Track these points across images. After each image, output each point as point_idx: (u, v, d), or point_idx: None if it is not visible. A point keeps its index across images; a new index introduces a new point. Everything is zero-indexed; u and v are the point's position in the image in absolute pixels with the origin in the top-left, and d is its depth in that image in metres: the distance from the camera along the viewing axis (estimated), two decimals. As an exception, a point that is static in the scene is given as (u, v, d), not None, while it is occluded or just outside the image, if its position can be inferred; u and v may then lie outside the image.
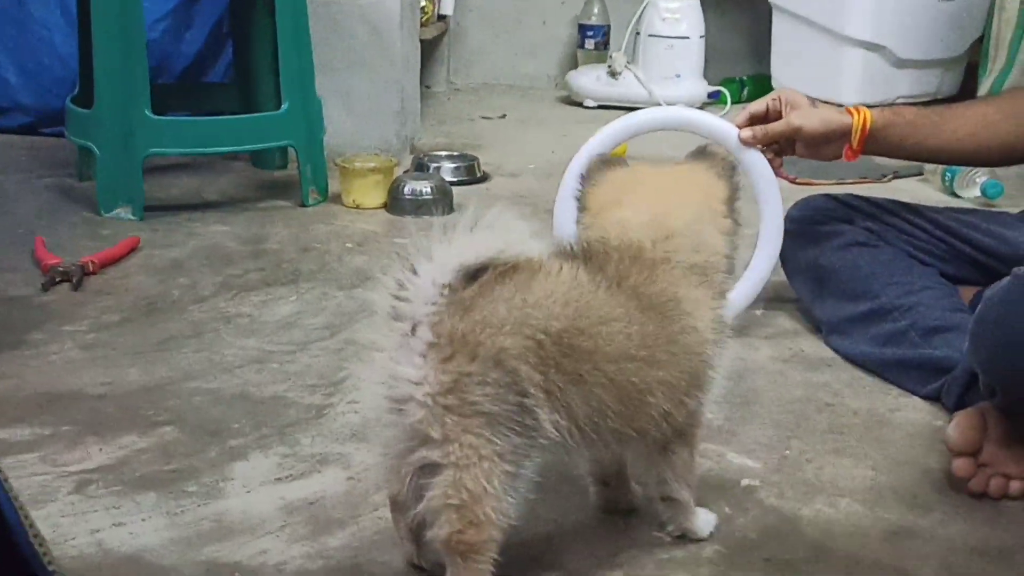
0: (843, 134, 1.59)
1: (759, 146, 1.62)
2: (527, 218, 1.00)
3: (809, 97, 1.64)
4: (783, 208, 1.69)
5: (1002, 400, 1.25)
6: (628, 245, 1.06)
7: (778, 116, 1.61)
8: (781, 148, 1.64)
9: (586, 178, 1.17)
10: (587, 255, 1.05)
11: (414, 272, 0.97)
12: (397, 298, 0.97)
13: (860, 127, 1.58)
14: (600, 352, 0.99)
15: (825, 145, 1.61)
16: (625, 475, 1.19)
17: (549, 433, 0.98)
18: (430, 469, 0.96)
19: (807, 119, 1.59)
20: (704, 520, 1.16)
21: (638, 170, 1.18)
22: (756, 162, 1.62)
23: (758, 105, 1.64)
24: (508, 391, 0.95)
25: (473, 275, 0.97)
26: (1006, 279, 1.23)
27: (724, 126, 1.66)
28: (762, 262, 1.70)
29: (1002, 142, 1.60)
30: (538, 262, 1.00)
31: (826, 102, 3.38)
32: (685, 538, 1.15)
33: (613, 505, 1.20)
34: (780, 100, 1.61)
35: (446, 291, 0.96)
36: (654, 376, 1.02)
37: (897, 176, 2.65)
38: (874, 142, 1.60)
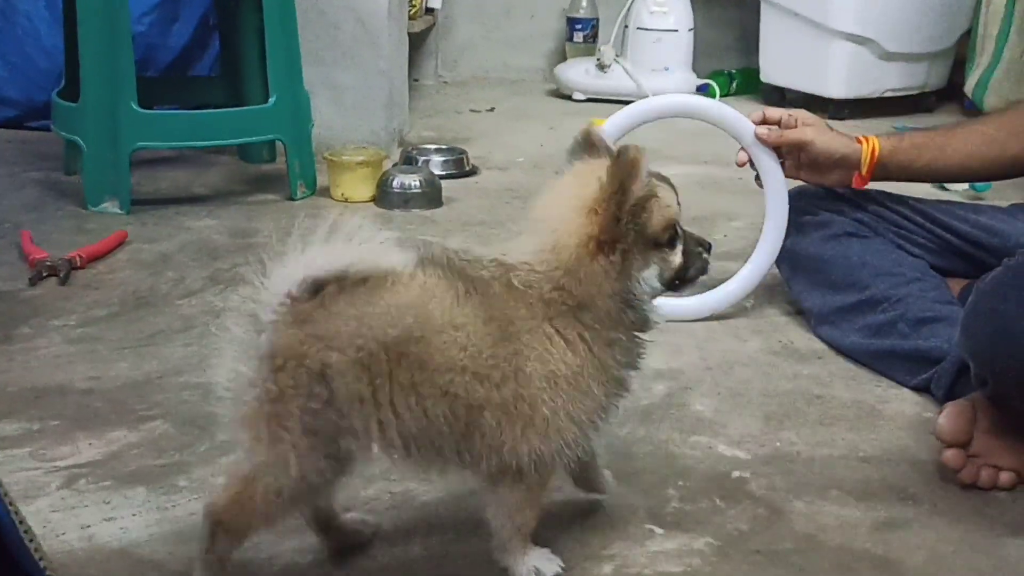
0: (850, 161, 1.63)
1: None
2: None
3: (825, 120, 1.67)
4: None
5: (993, 390, 1.25)
6: (498, 264, 1.01)
7: (790, 127, 1.65)
8: (788, 159, 1.68)
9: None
10: (452, 265, 1.01)
11: (266, 277, 0.97)
12: (250, 300, 0.98)
13: (869, 155, 1.62)
14: (432, 361, 0.96)
15: (829, 168, 1.65)
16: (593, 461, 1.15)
17: (371, 450, 0.97)
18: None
19: (819, 136, 1.63)
20: (531, 567, 1.05)
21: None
22: (768, 158, 1.67)
23: (775, 112, 1.67)
24: (328, 408, 0.95)
25: (319, 287, 0.96)
26: (997, 269, 1.23)
27: (741, 120, 1.69)
28: (762, 257, 1.72)
29: (1010, 157, 1.63)
30: (391, 273, 0.97)
31: (816, 96, 3.41)
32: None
33: (587, 487, 1.19)
34: (795, 118, 1.65)
35: (290, 302, 0.96)
36: (485, 395, 0.97)
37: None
38: (883, 169, 1.64)
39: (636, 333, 1.03)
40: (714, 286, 1.74)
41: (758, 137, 1.65)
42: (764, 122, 1.66)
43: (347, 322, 0.95)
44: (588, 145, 1.06)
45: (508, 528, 1.04)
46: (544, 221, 1.01)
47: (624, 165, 0.98)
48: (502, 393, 0.97)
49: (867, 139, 1.63)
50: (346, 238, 0.97)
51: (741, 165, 1.69)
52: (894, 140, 1.65)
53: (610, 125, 1.70)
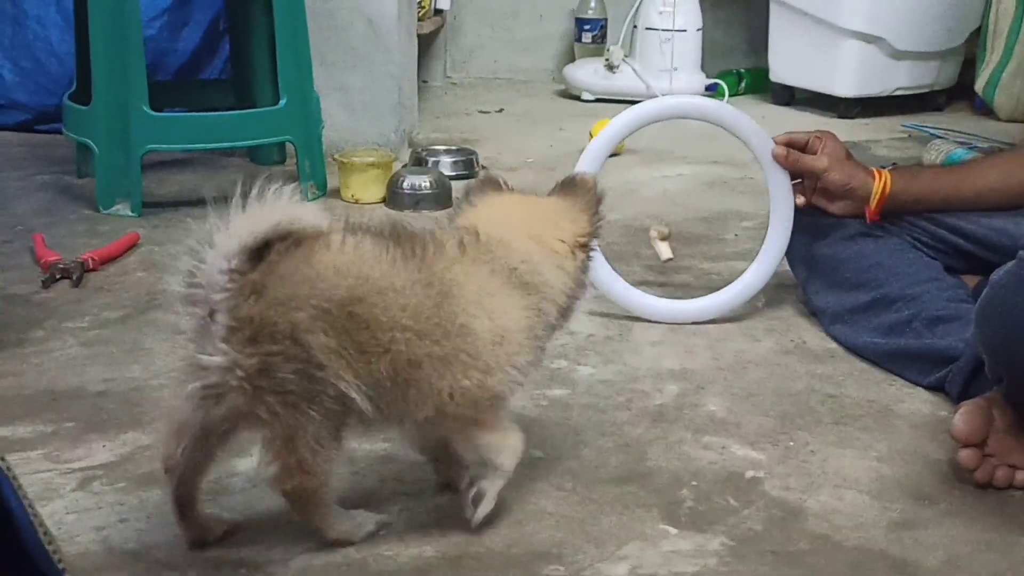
0: (860, 194, 1.65)
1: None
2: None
3: (847, 150, 1.69)
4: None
5: (1008, 386, 1.25)
6: (435, 232, 1.11)
7: (814, 153, 1.67)
8: (803, 183, 1.70)
9: (467, 197, 1.20)
10: (382, 230, 1.08)
11: (201, 261, 0.99)
12: (190, 285, 1.00)
13: (880, 191, 1.64)
14: (376, 321, 1.01)
15: (841, 199, 1.67)
16: (453, 452, 1.16)
17: (355, 400, 1.02)
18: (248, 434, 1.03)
19: (835, 166, 1.65)
20: (485, 500, 1.12)
21: (511, 196, 1.21)
22: (780, 176, 1.69)
23: (801, 136, 1.69)
24: (309, 365, 0.99)
25: (258, 254, 0.99)
26: (1011, 263, 1.23)
27: (762, 136, 1.70)
28: (764, 265, 1.73)
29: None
30: (320, 235, 1.02)
31: (825, 95, 3.40)
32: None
33: (450, 481, 1.19)
34: (822, 141, 1.67)
35: (235, 276, 0.98)
36: (425, 350, 1.03)
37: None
38: (894, 204, 1.65)
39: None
40: (715, 290, 1.76)
41: (775, 157, 1.67)
42: (790, 143, 1.67)
43: (298, 284, 0.99)
44: (487, 186, 1.21)
45: (471, 469, 1.12)
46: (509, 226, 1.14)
47: (595, 195, 1.19)
48: (444, 347, 1.04)
49: (880, 173, 1.65)
50: (260, 200, 1.00)
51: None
52: (907, 177, 1.67)
53: (621, 123, 1.72)
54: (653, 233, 1.80)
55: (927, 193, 1.66)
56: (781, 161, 1.67)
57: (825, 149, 1.66)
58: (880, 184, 1.64)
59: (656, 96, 3.11)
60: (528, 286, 1.11)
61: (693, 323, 1.72)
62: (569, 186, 1.21)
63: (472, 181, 1.29)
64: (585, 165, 1.70)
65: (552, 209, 1.19)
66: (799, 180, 1.70)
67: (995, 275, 1.25)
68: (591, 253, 1.18)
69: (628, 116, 1.74)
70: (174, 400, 1.05)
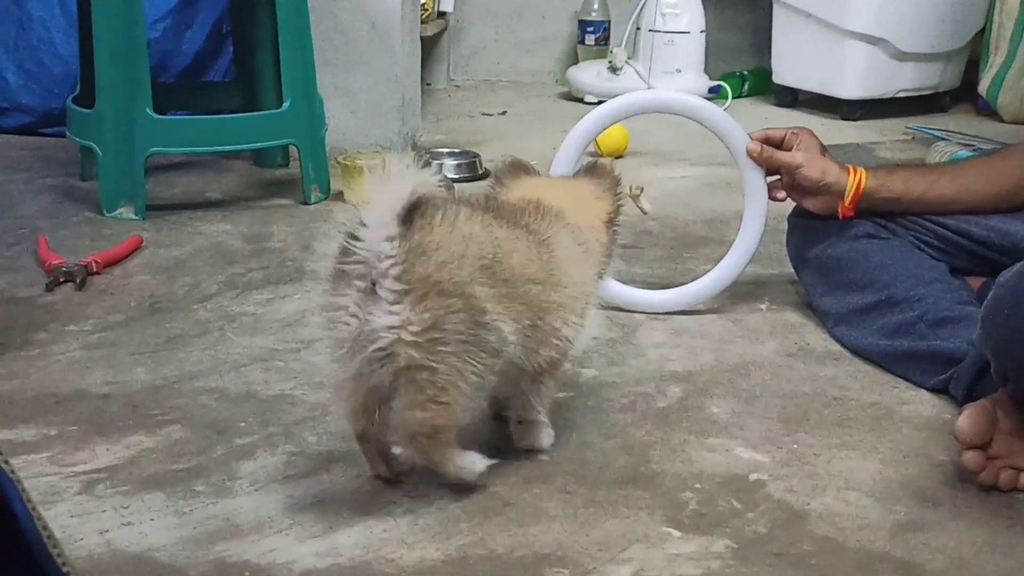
0: (835, 190, 1.65)
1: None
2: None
3: (823, 145, 1.69)
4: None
5: (1013, 387, 1.24)
6: (523, 200, 1.26)
7: (790, 148, 1.68)
8: (780, 178, 1.71)
9: (498, 179, 1.36)
10: (478, 203, 1.22)
11: (356, 238, 1.08)
12: (347, 263, 1.09)
13: (854, 187, 1.64)
14: (514, 275, 1.15)
15: (816, 194, 1.68)
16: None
17: (511, 343, 1.15)
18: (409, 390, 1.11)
19: (809, 162, 1.65)
20: (548, 435, 1.31)
21: (541, 179, 1.41)
22: (754, 172, 1.70)
23: (777, 131, 1.70)
24: (474, 313, 1.10)
25: (407, 218, 1.08)
26: (1019, 264, 1.22)
27: (738, 131, 1.71)
28: (735, 260, 1.75)
29: (1005, 193, 1.64)
30: (448, 204, 1.14)
31: (829, 97, 3.40)
32: (532, 452, 1.29)
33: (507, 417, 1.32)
34: (798, 137, 1.68)
35: (396, 242, 1.07)
36: (550, 298, 1.19)
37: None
38: (869, 201, 1.65)
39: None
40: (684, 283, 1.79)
41: (749, 153, 1.68)
42: (766, 140, 1.68)
43: (458, 244, 1.11)
44: (519, 169, 1.37)
45: (544, 415, 1.29)
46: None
47: (615, 179, 1.39)
48: (562, 295, 1.21)
49: (855, 170, 1.65)
50: (393, 175, 1.09)
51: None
52: (882, 174, 1.67)
53: (595, 118, 1.75)
54: (635, 191, 1.92)
55: (902, 191, 1.65)
56: (755, 157, 1.68)
57: (800, 145, 1.67)
58: (854, 180, 1.64)
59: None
60: (588, 251, 1.28)
61: (665, 313, 1.76)
62: (592, 170, 1.40)
63: (499, 165, 1.42)
64: (560, 163, 1.73)
65: (581, 190, 1.36)
66: (778, 177, 1.71)
67: (1001, 276, 1.25)
68: (616, 229, 1.35)
69: (603, 110, 1.76)
70: (345, 381, 1.15)
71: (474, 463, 1.19)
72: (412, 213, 1.08)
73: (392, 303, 1.08)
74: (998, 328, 1.24)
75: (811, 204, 1.70)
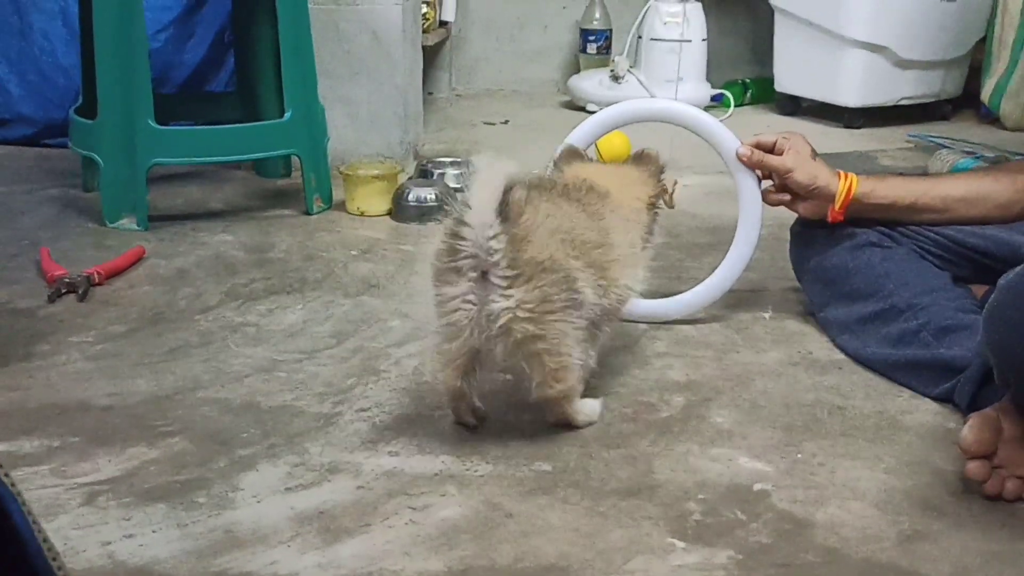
0: (825, 194, 1.65)
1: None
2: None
3: (813, 150, 1.69)
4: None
5: (1016, 392, 1.24)
6: (576, 179, 1.44)
7: (781, 153, 1.68)
8: (774, 183, 1.71)
9: (555, 164, 1.57)
10: (543, 185, 1.40)
11: (462, 238, 1.25)
12: (455, 259, 1.26)
13: (845, 191, 1.64)
14: (586, 243, 1.33)
15: (806, 199, 1.68)
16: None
17: (597, 304, 1.35)
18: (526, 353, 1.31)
19: (799, 167, 1.66)
20: (591, 407, 1.43)
21: (592, 164, 1.63)
22: (747, 178, 1.71)
23: (769, 137, 1.71)
24: (571, 282, 1.30)
25: (502, 212, 1.24)
26: (1020, 267, 1.22)
27: (728, 137, 1.71)
28: (730, 268, 1.75)
29: (996, 206, 1.64)
30: (530, 192, 1.31)
31: (831, 105, 3.40)
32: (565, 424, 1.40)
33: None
34: (789, 141, 1.68)
35: (499, 235, 1.24)
36: (611, 257, 1.37)
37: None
38: (860, 207, 1.66)
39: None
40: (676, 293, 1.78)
41: (739, 157, 1.69)
42: (757, 146, 1.69)
43: (546, 228, 1.29)
44: (573, 156, 1.60)
45: (594, 360, 1.43)
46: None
47: (660, 166, 1.58)
48: (618, 253, 1.39)
49: (846, 176, 1.65)
50: (481, 175, 1.24)
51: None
52: (874, 180, 1.67)
53: (584, 129, 1.75)
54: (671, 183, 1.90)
55: (894, 198, 1.65)
56: (745, 161, 1.69)
57: (791, 149, 1.67)
58: (845, 185, 1.64)
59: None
60: (630, 221, 1.45)
61: (664, 322, 1.76)
62: (638, 158, 1.59)
63: (557, 151, 1.62)
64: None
65: (628, 174, 1.54)
66: (771, 182, 1.71)
67: (1002, 279, 1.25)
68: (657, 211, 1.54)
69: (592, 122, 1.76)
70: (447, 348, 1.32)
71: (594, 408, 1.42)
72: (505, 208, 1.24)
73: (505, 288, 1.26)
74: (999, 330, 1.23)
75: (803, 208, 1.70)
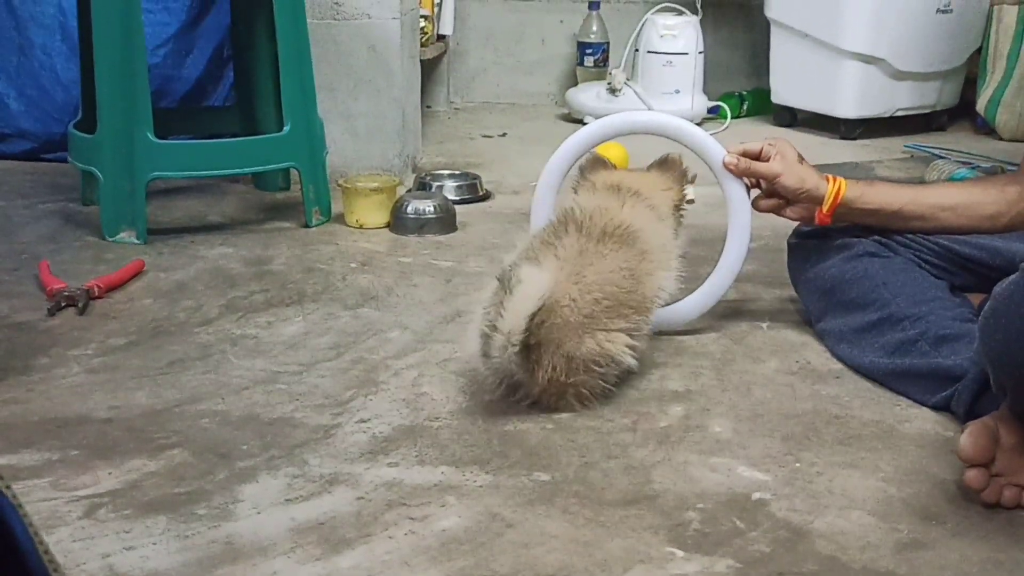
0: (814, 198, 1.66)
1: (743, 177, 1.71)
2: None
3: (800, 155, 1.70)
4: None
5: (1013, 400, 1.24)
6: (596, 209, 1.54)
7: (768, 159, 1.69)
8: (762, 189, 1.72)
9: (585, 170, 1.68)
10: (568, 223, 1.53)
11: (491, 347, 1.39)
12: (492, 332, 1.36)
13: (833, 195, 1.65)
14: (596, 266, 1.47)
15: (794, 203, 1.69)
16: None
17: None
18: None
19: (787, 171, 1.67)
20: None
21: (618, 172, 1.71)
22: (735, 186, 1.72)
23: (754, 145, 1.71)
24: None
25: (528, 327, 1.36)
26: (1015, 274, 1.23)
27: (714, 146, 1.72)
28: (721, 277, 1.75)
29: (987, 217, 1.65)
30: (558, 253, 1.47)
31: (827, 116, 3.41)
32: None
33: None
34: (775, 147, 1.69)
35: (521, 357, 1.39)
36: (644, 268, 1.51)
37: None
38: (848, 211, 1.67)
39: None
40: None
41: (726, 165, 1.70)
42: (743, 154, 1.70)
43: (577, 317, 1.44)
44: (598, 164, 1.71)
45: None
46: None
47: (683, 170, 1.72)
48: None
49: (834, 180, 1.66)
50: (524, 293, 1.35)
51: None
52: (863, 186, 1.68)
53: (572, 144, 1.76)
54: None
55: (880, 204, 1.66)
56: (732, 169, 1.69)
57: (777, 154, 1.68)
58: (834, 188, 1.65)
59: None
60: (662, 218, 1.58)
61: (657, 333, 1.74)
62: (663, 164, 1.70)
63: (583, 160, 1.71)
64: (542, 187, 1.75)
65: (654, 179, 1.66)
66: (759, 190, 1.72)
67: (998, 287, 1.25)
68: (682, 214, 1.66)
69: (578, 137, 1.76)
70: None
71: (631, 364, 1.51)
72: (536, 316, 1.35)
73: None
74: (995, 337, 1.24)
75: (792, 212, 1.71)
